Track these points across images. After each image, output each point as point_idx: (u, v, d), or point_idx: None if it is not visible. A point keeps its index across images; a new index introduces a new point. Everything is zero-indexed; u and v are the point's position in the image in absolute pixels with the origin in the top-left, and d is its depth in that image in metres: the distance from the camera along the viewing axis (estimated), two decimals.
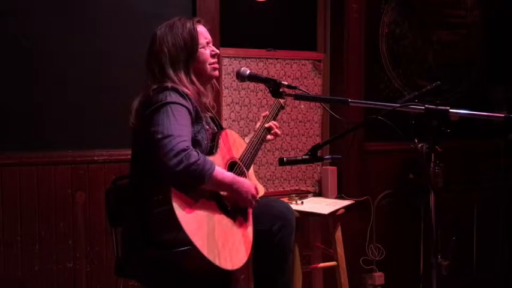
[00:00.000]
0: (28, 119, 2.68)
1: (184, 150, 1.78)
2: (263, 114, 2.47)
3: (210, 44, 2.15)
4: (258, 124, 2.42)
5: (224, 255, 1.85)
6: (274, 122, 2.44)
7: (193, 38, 2.07)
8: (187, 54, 2.06)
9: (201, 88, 2.08)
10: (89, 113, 2.78)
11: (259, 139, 2.31)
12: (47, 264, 2.71)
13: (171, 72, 2.02)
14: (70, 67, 2.74)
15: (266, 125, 2.40)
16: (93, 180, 2.78)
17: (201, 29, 2.13)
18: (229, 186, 1.94)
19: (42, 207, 2.69)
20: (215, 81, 2.24)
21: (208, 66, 2.12)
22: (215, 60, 2.15)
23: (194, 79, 2.06)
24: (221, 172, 1.91)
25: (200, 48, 2.09)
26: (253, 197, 2.03)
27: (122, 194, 2.11)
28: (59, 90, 2.73)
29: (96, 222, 2.78)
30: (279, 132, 2.43)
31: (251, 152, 2.22)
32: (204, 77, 2.12)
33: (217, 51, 2.17)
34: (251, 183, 2.04)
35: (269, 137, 2.42)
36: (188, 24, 2.09)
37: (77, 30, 2.75)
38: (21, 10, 2.65)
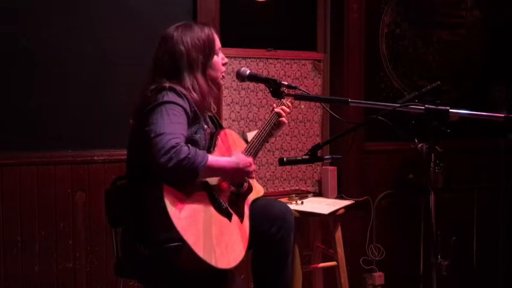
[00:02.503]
0: (28, 119, 2.68)
1: (173, 147, 1.78)
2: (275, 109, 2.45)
3: (221, 52, 2.16)
4: (253, 134, 2.40)
5: (220, 253, 1.85)
6: (285, 108, 2.43)
7: (211, 41, 2.08)
8: (205, 57, 2.06)
9: (215, 89, 2.11)
10: (88, 113, 2.78)
11: (260, 140, 2.30)
12: (47, 264, 2.71)
13: (185, 73, 2.01)
14: (70, 67, 2.74)
15: (276, 110, 2.38)
16: (93, 180, 2.78)
17: (215, 36, 2.14)
18: (226, 171, 1.96)
19: (42, 207, 2.69)
20: None
21: (219, 74, 2.14)
22: (224, 69, 2.16)
23: (210, 83, 2.08)
24: (215, 160, 1.92)
25: (215, 54, 2.11)
26: (252, 170, 2.05)
27: (122, 194, 2.11)
28: (59, 90, 2.73)
29: (96, 222, 2.78)
30: (285, 120, 2.42)
31: (251, 153, 2.22)
32: (215, 84, 2.12)
33: (226, 60, 2.18)
34: (245, 157, 2.04)
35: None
36: (206, 28, 2.09)
37: (77, 30, 2.75)
38: (21, 10, 2.65)
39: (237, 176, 2.04)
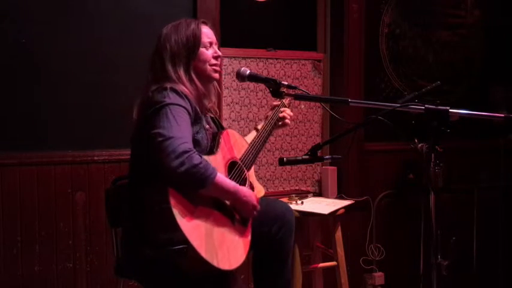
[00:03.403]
0: (28, 119, 2.68)
1: (186, 152, 1.78)
2: (267, 114, 2.47)
3: (214, 46, 2.15)
4: (260, 125, 2.41)
5: (222, 254, 1.85)
6: (288, 111, 2.45)
7: (196, 36, 2.08)
8: (188, 51, 2.06)
9: (200, 86, 2.08)
10: (88, 113, 2.78)
11: (261, 140, 2.30)
12: (47, 264, 2.71)
13: (170, 68, 2.03)
14: (70, 67, 2.74)
15: (280, 115, 2.40)
16: (93, 180, 2.78)
17: (206, 30, 2.13)
18: (230, 195, 1.94)
19: (42, 207, 2.69)
20: (217, 85, 2.24)
21: (208, 66, 2.11)
22: (217, 62, 2.14)
23: (194, 77, 2.07)
24: (223, 179, 1.91)
25: (202, 47, 2.10)
26: (254, 207, 2.02)
27: (122, 194, 2.11)
28: (59, 90, 2.73)
29: (96, 222, 2.78)
30: (288, 121, 2.44)
31: (252, 153, 2.22)
32: (204, 78, 2.11)
33: (220, 53, 2.17)
34: (252, 193, 2.03)
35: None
36: (193, 24, 2.10)
37: (77, 30, 2.75)
38: (21, 10, 2.65)
39: (238, 204, 1.98)
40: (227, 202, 1.97)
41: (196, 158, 1.79)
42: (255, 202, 2.02)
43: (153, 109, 1.90)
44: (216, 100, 2.25)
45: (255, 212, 2.04)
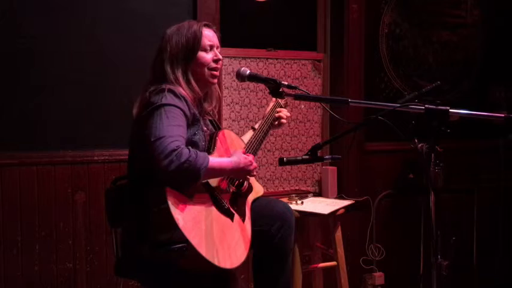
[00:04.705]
0: (28, 119, 2.68)
1: (174, 150, 1.78)
2: (264, 113, 2.48)
3: (215, 49, 2.14)
4: (257, 125, 2.42)
5: (222, 253, 1.86)
6: (285, 111, 2.46)
7: (196, 38, 2.08)
8: (186, 53, 2.06)
9: (197, 89, 2.08)
10: (89, 113, 2.78)
11: (258, 140, 2.30)
12: (47, 264, 2.71)
13: (168, 69, 2.03)
14: (70, 67, 2.74)
15: (276, 115, 2.42)
16: (93, 180, 2.78)
17: (208, 33, 2.12)
18: (228, 172, 1.98)
19: (42, 207, 2.69)
20: (218, 89, 2.24)
21: (206, 70, 2.10)
22: (216, 65, 2.13)
23: (191, 80, 2.06)
24: (217, 161, 1.94)
25: (201, 50, 2.09)
26: (253, 168, 2.08)
27: (122, 194, 2.11)
28: (59, 90, 2.73)
29: (96, 222, 2.78)
30: (284, 121, 2.46)
31: (249, 153, 2.22)
32: (201, 81, 2.11)
33: (220, 56, 2.15)
34: (243, 156, 2.05)
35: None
36: (195, 26, 2.10)
37: (77, 30, 2.75)
38: (21, 10, 2.65)
39: (239, 176, 2.07)
40: (221, 188, 2.01)
41: (184, 154, 1.79)
42: (249, 164, 2.06)
43: (149, 110, 1.91)
44: (217, 104, 2.24)
45: (254, 172, 2.10)
